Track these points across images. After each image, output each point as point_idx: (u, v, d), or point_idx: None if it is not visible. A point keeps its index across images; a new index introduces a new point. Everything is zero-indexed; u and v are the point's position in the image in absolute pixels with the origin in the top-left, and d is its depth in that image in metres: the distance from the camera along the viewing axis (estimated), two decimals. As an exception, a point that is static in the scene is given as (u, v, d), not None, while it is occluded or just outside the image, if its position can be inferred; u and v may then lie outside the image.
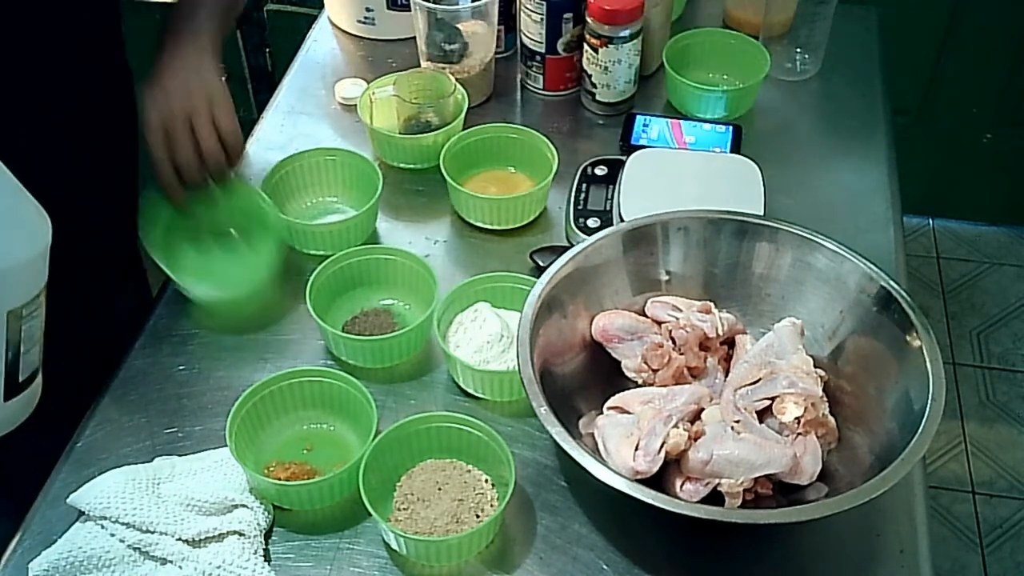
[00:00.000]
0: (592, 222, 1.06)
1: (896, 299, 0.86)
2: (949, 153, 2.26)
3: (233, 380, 0.95)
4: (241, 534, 0.82)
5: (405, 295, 1.02)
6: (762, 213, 1.01)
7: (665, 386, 0.87)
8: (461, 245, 1.10)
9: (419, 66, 1.25)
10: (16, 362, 0.74)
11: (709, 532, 0.84)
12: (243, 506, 0.83)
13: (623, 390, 0.89)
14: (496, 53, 1.26)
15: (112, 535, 0.81)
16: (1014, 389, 2.10)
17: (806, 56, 1.30)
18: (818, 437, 0.83)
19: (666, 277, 0.96)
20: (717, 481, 0.80)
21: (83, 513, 0.83)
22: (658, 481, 0.80)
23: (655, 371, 0.89)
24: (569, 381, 0.89)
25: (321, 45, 1.38)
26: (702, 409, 0.85)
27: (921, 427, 0.77)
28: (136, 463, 0.87)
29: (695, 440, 0.81)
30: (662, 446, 0.79)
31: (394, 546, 0.82)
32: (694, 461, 0.80)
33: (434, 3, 1.18)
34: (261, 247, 1.00)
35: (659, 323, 0.93)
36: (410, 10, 1.21)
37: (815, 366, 0.86)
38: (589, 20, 1.17)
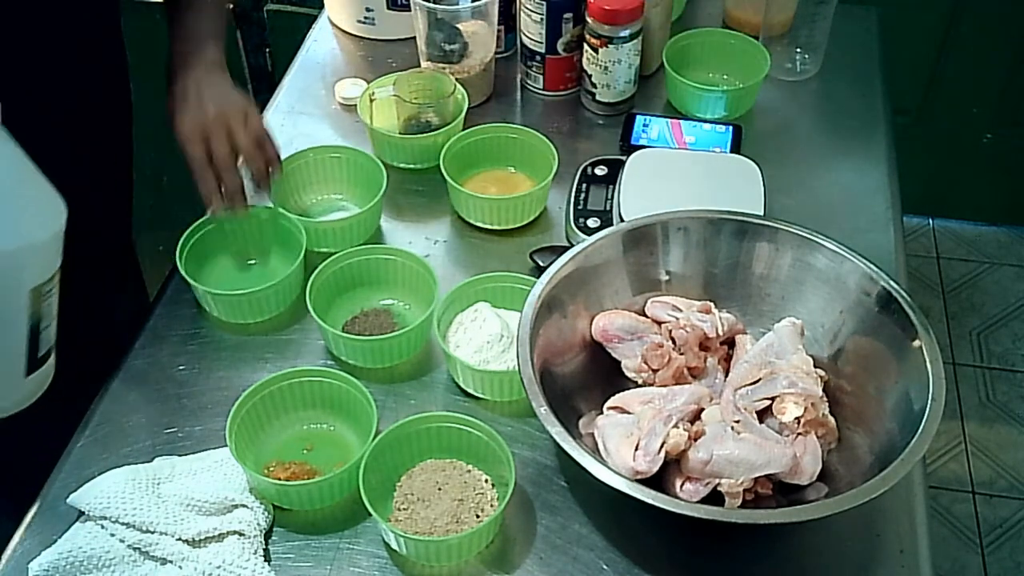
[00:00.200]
0: (592, 222, 1.06)
1: (896, 299, 0.86)
2: (949, 153, 2.26)
3: (233, 380, 0.95)
4: (241, 534, 0.82)
5: (405, 295, 1.02)
6: (762, 213, 1.01)
7: (665, 386, 0.87)
8: (461, 245, 1.10)
9: (419, 66, 1.25)
10: (36, 338, 0.78)
11: (709, 532, 0.84)
12: (243, 506, 0.83)
13: (623, 390, 0.89)
14: (496, 53, 1.26)
15: (112, 535, 0.81)
16: (1014, 389, 2.10)
17: (806, 56, 1.30)
18: (818, 437, 0.83)
19: (666, 277, 0.96)
20: (717, 481, 0.80)
21: (83, 513, 0.83)
22: (658, 481, 0.80)
23: (655, 371, 0.89)
24: (569, 381, 0.89)
25: (321, 45, 1.38)
26: (702, 409, 0.85)
27: (921, 427, 0.77)
28: (136, 463, 0.87)
29: (695, 440, 0.81)
30: (662, 446, 0.79)
31: (394, 546, 0.82)
32: (694, 461, 0.80)
33: (434, 3, 1.18)
34: (283, 271, 1.02)
35: (659, 323, 0.93)
36: (410, 10, 1.21)
37: (815, 366, 0.86)
38: (589, 20, 1.17)
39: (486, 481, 0.85)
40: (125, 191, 1.15)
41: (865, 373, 0.87)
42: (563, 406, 0.83)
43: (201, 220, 1.03)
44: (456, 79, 1.18)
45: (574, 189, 1.11)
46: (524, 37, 1.25)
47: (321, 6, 1.42)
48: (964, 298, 2.27)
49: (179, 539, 0.81)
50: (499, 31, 1.26)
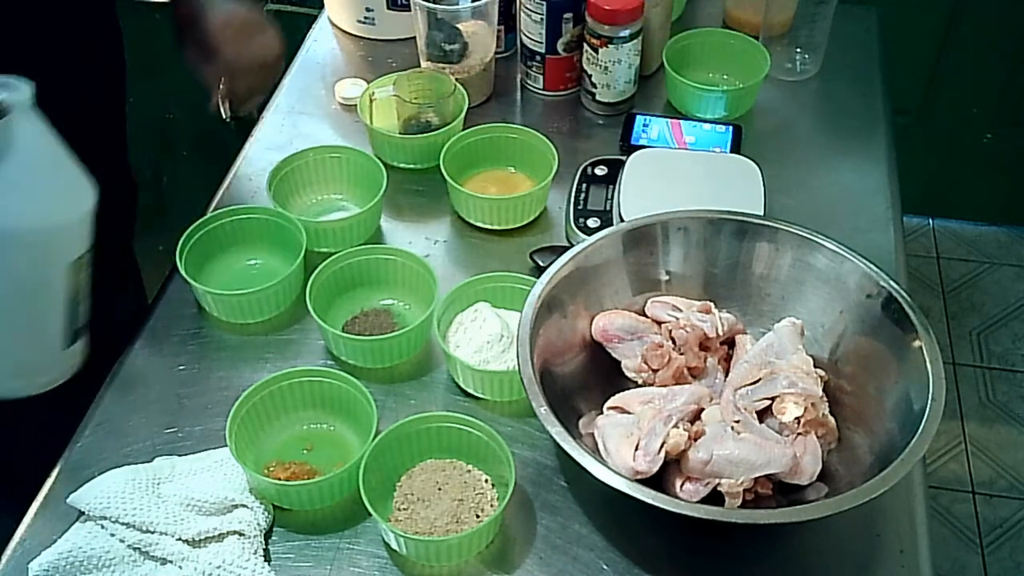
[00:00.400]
0: (592, 222, 1.06)
1: (896, 299, 0.86)
2: (949, 153, 2.25)
3: (233, 380, 0.95)
4: (241, 534, 0.82)
5: (405, 295, 1.02)
6: (762, 213, 1.01)
7: (665, 386, 0.87)
8: (461, 245, 1.10)
9: (419, 66, 1.25)
10: (75, 310, 0.83)
11: (709, 532, 0.84)
12: (243, 506, 0.83)
13: (623, 390, 0.89)
14: (496, 53, 1.26)
15: (112, 535, 0.81)
16: (1014, 389, 2.10)
17: (806, 56, 1.30)
18: (818, 437, 0.83)
19: (666, 277, 0.96)
20: (717, 481, 0.80)
21: (83, 513, 0.83)
22: (658, 481, 0.80)
23: (655, 371, 0.89)
24: (569, 381, 0.89)
25: (321, 45, 1.38)
26: (702, 409, 0.85)
27: (921, 427, 0.77)
28: (136, 463, 0.87)
29: (695, 440, 0.81)
30: (662, 446, 0.79)
31: (394, 546, 0.82)
32: (694, 461, 0.80)
33: (434, 3, 1.18)
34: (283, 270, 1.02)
35: (659, 323, 0.93)
36: (410, 10, 1.21)
37: (815, 366, 0.86)
38: (589, 20, 1.17)
39: (486, 481, 0.85)
40: (124, 191, 1.15)
41: (865, 373, 0.87)
42: (563, 406, 0.83)
43: (201, 220, 1.03)
44: (456, 79, 1.18)
45: (574, 189, 1.11)
46: (524, 37, 1.25)
47: (321, 6, 1.42)
48: (964, 298, 2.27)
49: (179, 539, 0.81)
50: (499, 31, 1.26)
